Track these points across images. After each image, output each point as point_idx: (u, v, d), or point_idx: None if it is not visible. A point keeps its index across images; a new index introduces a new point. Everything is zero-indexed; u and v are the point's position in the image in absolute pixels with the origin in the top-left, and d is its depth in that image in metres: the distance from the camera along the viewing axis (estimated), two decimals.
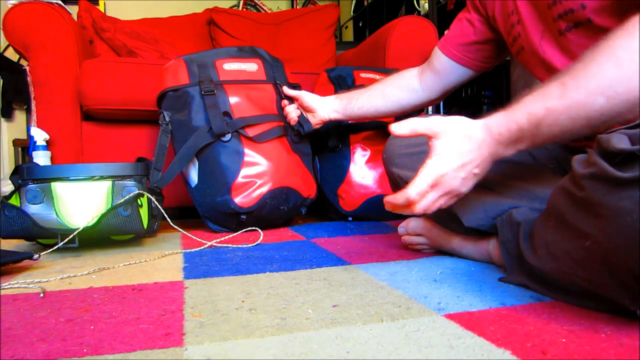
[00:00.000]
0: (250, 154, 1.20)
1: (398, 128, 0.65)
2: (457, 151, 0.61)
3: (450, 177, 0.61)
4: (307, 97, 1.21)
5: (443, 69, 0.94)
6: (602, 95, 0.48)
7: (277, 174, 1.22)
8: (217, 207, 1.17)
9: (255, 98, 1.26)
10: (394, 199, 0.63)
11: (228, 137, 1.18)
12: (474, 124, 0.61)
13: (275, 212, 1.24)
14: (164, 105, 1.25)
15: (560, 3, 0.65)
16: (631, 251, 0.42)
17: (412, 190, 0.61)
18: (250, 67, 1.30)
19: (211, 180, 1.19)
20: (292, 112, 1.25)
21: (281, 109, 1.29)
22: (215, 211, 1.19)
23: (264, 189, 1.19)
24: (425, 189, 0.61)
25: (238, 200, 1.16)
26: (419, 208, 0.62)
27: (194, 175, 1.22)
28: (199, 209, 1.22)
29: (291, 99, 1.27)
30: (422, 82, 0.99)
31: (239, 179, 1.17)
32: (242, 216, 1.18)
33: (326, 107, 1.17)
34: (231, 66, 1.27)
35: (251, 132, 1.22)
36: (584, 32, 0.64)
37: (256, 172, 1.19)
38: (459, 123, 0.62)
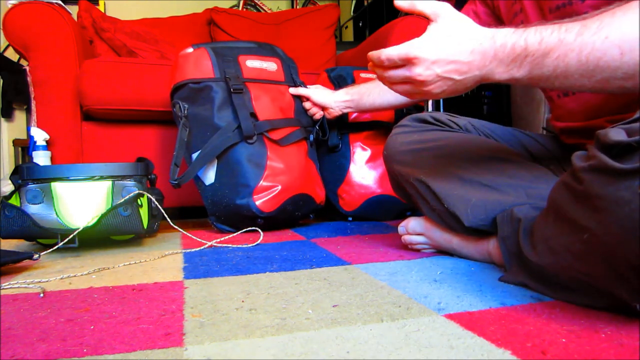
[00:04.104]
0: (273, 158, 1.19)
1: (401, 3, 0.61)
2: (447, 43, 0.56)
3: (425, 66, 0.56)
4: (316, 95, 1.27)
5: None
6: (619, 47, 0.48)
7: (298, 180, 1.22)
8: (235, 209, 1.15)
9: (276, 100, 1.25)
10: (372, 52, 0.60)
11: (253, 138, 1.17)
12: (481, 28, 0.57)
13: (290, 217, 1.24)
14: (180, 95, 1.21)
15: None
16: (629, 242, 0.42)
17: (385, 51, 0.57)
18: (271, 66, 1.28)
19: (231, 182, 1.16)
20: (319, 111, 1.31)
21: (298, 113, 1.30)
22: (230, 212, 1.17)
23: (286, 195, 1.18)
24: (394, 59, 0.57)
25: (259, 203, 1.15)
26: (379, 73, 0.60)
27: (210, 174, 1.19)
28: (209, 207, 1.21)
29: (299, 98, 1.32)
30: None
31: (262, 183, 1.16)
32: (259, 220, 1.16)
33: (338, 103, 1.23)
34: (253, 64, 1.25)
35: (274, 135, 1.20)
36: None
37: (279, 176, 1.18)
38: (467, 20, 0.58)
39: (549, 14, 0.69)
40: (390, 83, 0.61)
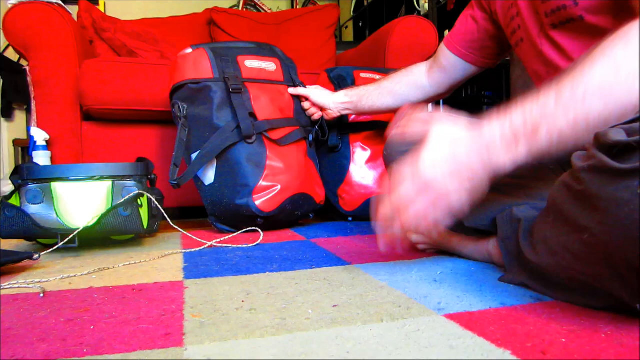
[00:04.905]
0: (272, 158, 1.19)
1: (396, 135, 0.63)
2: (446, 159, 0.57)
3: (439, 183, 0.56)
4: (315, 96, 1.27)
5: (449, 65, 0.96)
6: (600, 98, 0.48)
7: (297, 180, 1.22)
8: (235, 209, 1.15)
9: (275, 100, 1.25)
10: (380, 213, 0.59)
11: (253, 138, 1.17)
12: (467, 132, 0.58)
13: (290, 216, 1.24)
14: (179, 96, 1.21)
15: None
16: (629, 243, 0.42)
17: (400, 192, 0.58)
18: (270, 66, 1.28)
19: (231, 182, 1.16)
20: (318, 112, 1.31)
21: (297, 113, 1.30)
22: (230, 212, 1.17)
23: (285, 194, 1.18)
24: (410, 193, 0.57)
25: (259, 203, 1.15)
26: (409, 215, 0.58)
27: (210, 174, 1.19)
28: (209, 208, 1.21)
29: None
30: (430, 78, 1.01)
31: (262, 183, 1.16)
32: (259, 219, 1.16)
33: (337, 105, 1.23)
34: (252, 64, 1.25)
35: (273, 135, 1.20)
36: (573, 30, 0.66)
37: (278, 176, 1.18)
38: (452, 128, 0.59)
39: (545, 18, 0.70)
40: (417, 215, 0.58)
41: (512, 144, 0.53)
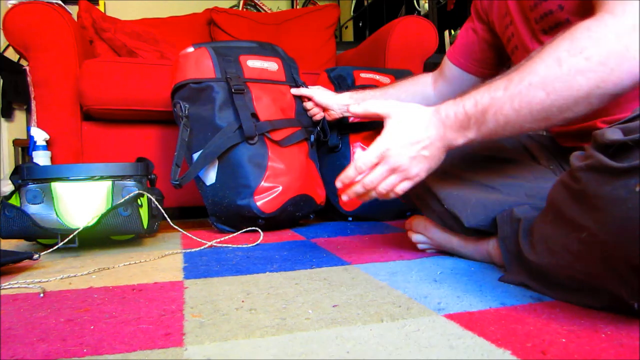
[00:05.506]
0: (274, 159, 1.18)
1: (355, 108, 0.71)
2: (406, 129, 0.65)
3: (397, 153, 0.64)
4: (319, 96, 1.27)
5: (453, 77, 0.98)
6: (542, 89, 0.53)
7: (299, 181, 1.21)
8: (236, 210, 1.15)
9: (276, 100, 1.24)
10: (345, 172, 0.67)
11: (255, 139, 1.16)
12: (424, 108, 0.66)
13: (290, 217, 1.23)
14: (181, 95, 1.20)
15: (540, 5, 0.68)
16: (626, 241, 0.42)
17: (360, 161, 0.66)
18: (272, 66, 1.27)
19: (232, 182, 1.16)
20: (320, 112, 1.31)
21: (298, 113, 1.29)
22: (231, 213, 1.16)
23: (287, 196, 1.18)
24: (372, 160, 0.66)
25: (260, 204, 1.15)
26: (366, 180, 0.66)
27: (211, 174, 1.19)
28: (210, 208, 1.21)
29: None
30: (435, 89, 1.02)
31: (263, 184, 1.15)
32: (260, 220, 1.16)
33: (340, 106, 1.23)
34: (254, 64, 1.24)
35: (275, 136, 1.20)
36: None
37: (280, 177, 1.18)
38: (411, 106, 0.67)
39: (535, 25, 0.71)
40: (375, 182, 0.67)
41: (464, 122, 0.61)
